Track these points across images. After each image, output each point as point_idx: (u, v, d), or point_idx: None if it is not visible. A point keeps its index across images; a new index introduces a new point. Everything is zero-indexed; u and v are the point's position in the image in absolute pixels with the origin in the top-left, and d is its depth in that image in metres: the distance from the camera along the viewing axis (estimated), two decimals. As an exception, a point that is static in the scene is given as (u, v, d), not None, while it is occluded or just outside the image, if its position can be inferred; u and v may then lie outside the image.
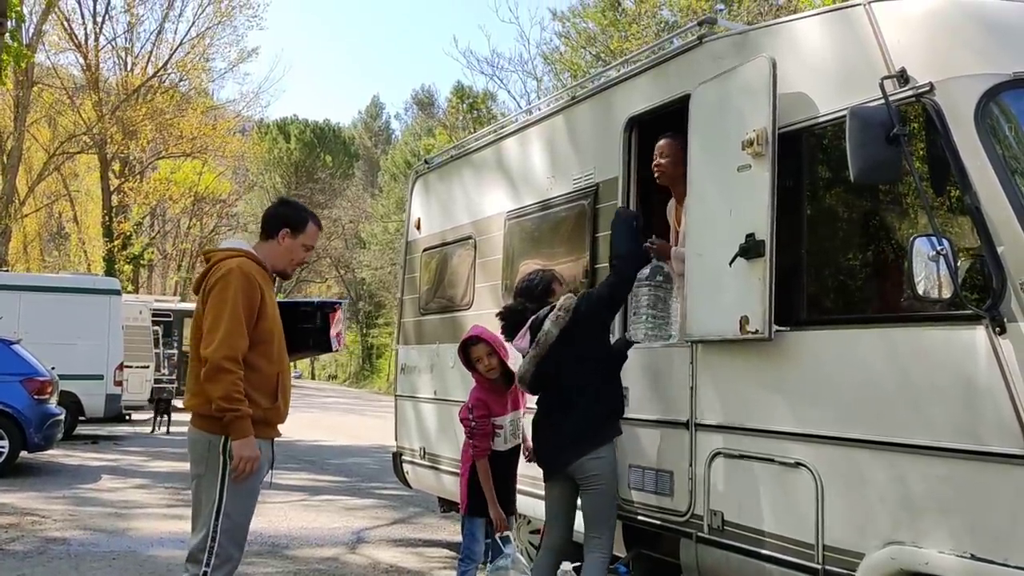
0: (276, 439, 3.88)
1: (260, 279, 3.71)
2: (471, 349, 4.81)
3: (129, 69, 30.39)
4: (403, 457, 7.19)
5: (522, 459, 5.03)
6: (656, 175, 4.74)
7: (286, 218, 3.90)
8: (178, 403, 17.41)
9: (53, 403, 11.17)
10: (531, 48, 44.38)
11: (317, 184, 52.96)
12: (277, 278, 4.02)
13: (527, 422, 4.83)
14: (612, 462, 4.32)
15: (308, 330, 4.25)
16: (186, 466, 3.79)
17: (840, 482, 3.46)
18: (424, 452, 6.78)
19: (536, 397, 4.52)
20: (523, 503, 5.48)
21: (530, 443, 4.81)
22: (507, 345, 4.76)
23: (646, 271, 4.38)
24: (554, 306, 4.38)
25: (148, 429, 17.05)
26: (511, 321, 4.59)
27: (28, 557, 6.35)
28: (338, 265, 53.08)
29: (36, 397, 10.74)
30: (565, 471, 4.33)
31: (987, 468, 2.95)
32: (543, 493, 4.58)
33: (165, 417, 16.86)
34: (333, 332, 4.34)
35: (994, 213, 2.98)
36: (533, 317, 4.47)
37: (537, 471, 4.61)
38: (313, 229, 3.94)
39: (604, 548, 4.31)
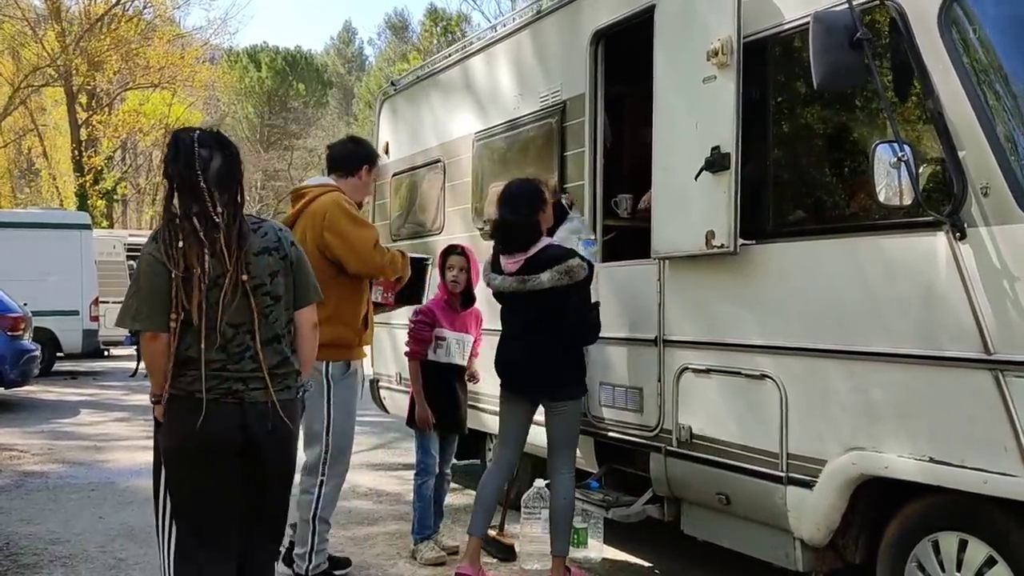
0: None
1: (352, 210, 4.13)
2: (451, 257, 4.94)
3: (91, -3, 29.46)
4: (380, 383, 7.22)
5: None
6: None
7: (365, 156, 4.32)
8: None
9: (27, 339, 11.10)
10: (505, -32, 43.23)
11: (291, 113, 52.05)
12: None
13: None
14: (584, 392, 4.41)
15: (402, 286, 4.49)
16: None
17: (804, 392, 3.49)
18: (400, 377, 6.79)
19: (505, 315, 4.45)
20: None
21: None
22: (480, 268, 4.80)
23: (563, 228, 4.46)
24: (559, 257, 4.16)
25: (129, 365, 16.98)
26: (507, 234, 4.33)
27: (5, 491, 6.37)
28: (315, 196, 52.53)
29: (9, 333, 10.66)
30: (541, 393, 4.33)
31: (946, 373, 2.97)
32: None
33: None
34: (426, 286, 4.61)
35: (956, 117, 2.94)
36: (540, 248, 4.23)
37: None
38: (379, 164, 4.46)
39: (572, 466, 4.37)
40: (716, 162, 3.72)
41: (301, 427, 4.02)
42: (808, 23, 3.20)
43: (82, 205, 26.72)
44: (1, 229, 14.21)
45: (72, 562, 4.69)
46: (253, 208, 51.92)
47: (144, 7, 30.04)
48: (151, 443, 3.06)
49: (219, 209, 2.84)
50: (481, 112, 5.92)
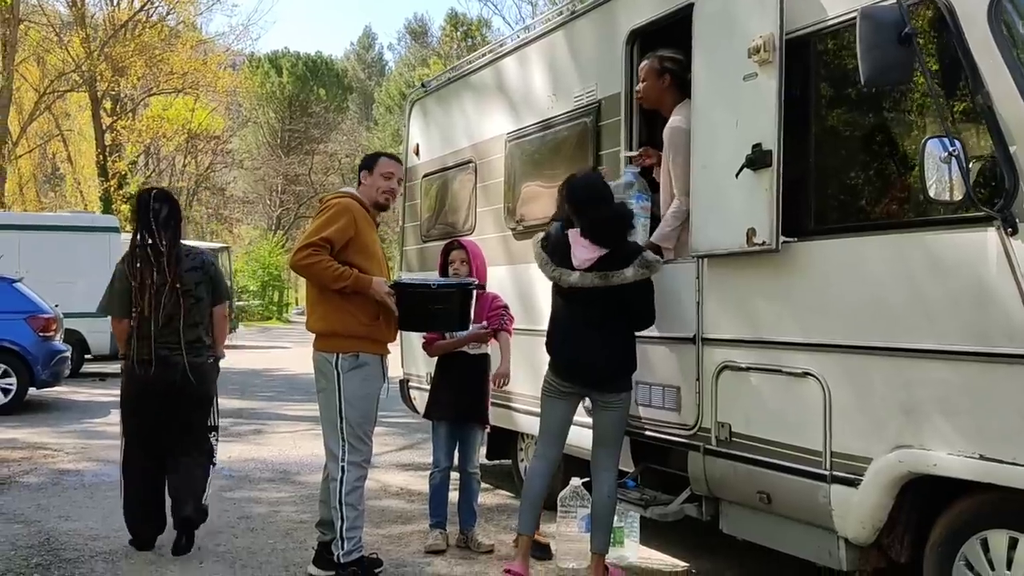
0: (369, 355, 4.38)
1: (358, 215, 4.35)
2: (452, 252, 5.13)
3: (115, 4, 29.75)
4: (410, 383, 7.24)
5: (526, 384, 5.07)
6: (640, 101, 4.69)
7: (361, 165, 4.68)
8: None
9: (58, 340, 11.21)
10: (525, -28, 43.23)
11: (312, 119, 52.36)
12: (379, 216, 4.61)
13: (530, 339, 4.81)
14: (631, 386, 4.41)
15: (444, 310, 4.49)
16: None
17: (848, 390, 3.48)
18: (430, 377, 6.80)
19: (568, 307, 4.36)
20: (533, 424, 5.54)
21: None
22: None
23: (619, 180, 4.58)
24: (639, 251, 4.22)
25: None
26: (603, 235, 4.25)
27: (42, 488, 6.44)
28: (336, 200, 52.65)
29: (41, 334, 10.79)
30: (596, 384, 4.30)
31: (996, 369, 2.95)
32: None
33: None
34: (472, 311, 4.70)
35: (1007, 112, 2.93)
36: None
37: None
38: (384, 160, 4.59)
39: (617, 464, 4.38)
40: (757, 159, 3.72)
41: (321, 419, 4.43)
42: (854, 19, 3.20)
43: (106, 209, 26.94)
44: (33, 232, 14.42)
45: (113, 557, 4.74)
46: (275, 212, 52.47)
47: (168, 13, 30.33)
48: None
49: (164, 242, 4.66)
50: (513, 113, 5.93)
